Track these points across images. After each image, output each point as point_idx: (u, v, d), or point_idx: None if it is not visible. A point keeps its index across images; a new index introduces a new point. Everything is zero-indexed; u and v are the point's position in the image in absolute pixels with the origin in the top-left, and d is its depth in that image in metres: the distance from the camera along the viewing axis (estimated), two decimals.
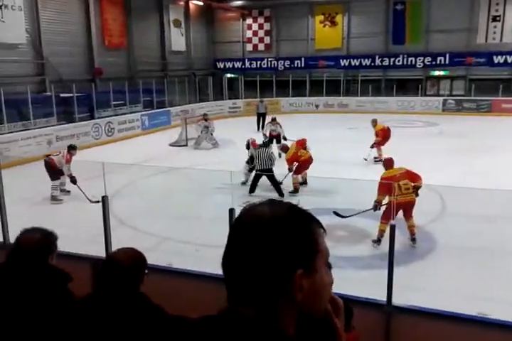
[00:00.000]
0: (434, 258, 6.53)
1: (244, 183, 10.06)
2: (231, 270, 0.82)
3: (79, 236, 6.02)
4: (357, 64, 26.75)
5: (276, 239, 0.79)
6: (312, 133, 14.97)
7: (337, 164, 11.82)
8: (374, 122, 13.23)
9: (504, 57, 23.91)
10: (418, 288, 5.05)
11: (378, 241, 6.95)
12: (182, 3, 26.22)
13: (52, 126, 15.34)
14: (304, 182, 10.40)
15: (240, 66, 29.20)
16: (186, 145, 15.70)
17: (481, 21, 24.10)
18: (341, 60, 27.02)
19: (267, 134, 14.19)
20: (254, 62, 28.93)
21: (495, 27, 23.95)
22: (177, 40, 25.79)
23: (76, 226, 6.79)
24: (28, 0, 16.58)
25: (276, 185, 9.65)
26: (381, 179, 7.03)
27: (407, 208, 6.74)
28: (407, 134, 17.63)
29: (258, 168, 9.73)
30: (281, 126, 14.16)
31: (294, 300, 0.81)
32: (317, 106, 25.42)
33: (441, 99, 24.35)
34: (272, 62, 28.51)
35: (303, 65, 27.83)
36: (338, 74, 26.73)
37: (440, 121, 20.15)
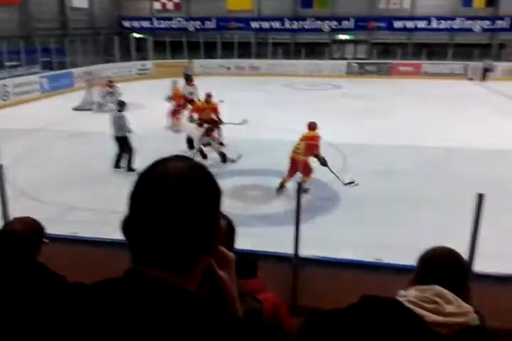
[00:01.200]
0: (337, 212, 6.99)
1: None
2: (147, 232, 0.76)
3: None
4: (267, 27, 26.69)
5: (204, 194, 0.78)
6: (224, 96, 14.94)
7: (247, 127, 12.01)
8: (174, 84, 12.67)
9: (403, 22, 25.19)
10: (324, 239, 5.41)
11: (278, 190, 7.66)
12: None
13: None
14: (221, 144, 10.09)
15: (148, 26, 27.82)
16: (92, 109, 14.91)
17: None
18: (252, 22, 26.78)
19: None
20: (163, 22, 27.71)
21: None
22: None
23: None
24: None
25: (123, 154, 8.80)
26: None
27: (299, 166, 7.52)
28: (314, 96, 18.26)
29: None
30: (196, 88, 13.35)
31: (215, 253, 0.83)
32: (228, 69, 25.18)
33: (345, 62, 25.23)
34: (182, 23, 27.51)
35: (214, 26, 27.20)
36: (249, 37, 26.53)
37: (344, 84, 21.00)
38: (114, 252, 4.12)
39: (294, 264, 4.21)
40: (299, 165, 7.49)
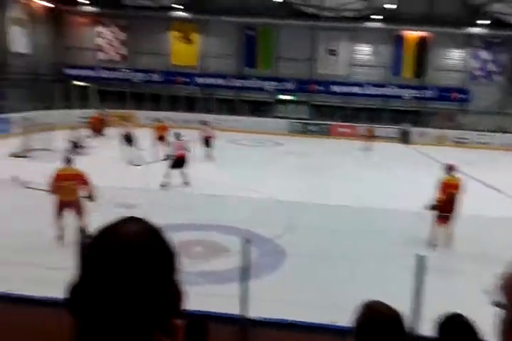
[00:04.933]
0: (284, 270, 6.95)
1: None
2: (97, 301, 0.70)
3: None
4: (212, 83, 27.54)
5: (157, 259, 0.74)
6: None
7: (192, 180, 11.98)
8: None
9: (340, 87, 26.98)
10: (272, 300, 5.31)
11: (60, 237, 7.26)
12: (25, 1, 24.04)
13: None
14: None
15: (92, 74, 27.77)
16: (29, 156, 14.31)
17: (320, 53, 26.93)
18: (197, 78, 27.54)
19: None
20: (108, 72, 27.80)
21: (332, 59, 26.97)
22: (19, 41, 23.53)
23: None
24: None
25: None
26: (54, 174, 7.36)
27: (72, 206, 7.33)
28: (259, 153, 18.70)
29: None
30: None
31: (174, 326, 0.78)
32: (174, 122, 25.36)
33: (288, 121, 26.34)
34: (128, 74, 27.75)
35: (160, 79, 27.65)
36: (195, 91, 27.17)
37: (287, 142, 21.75)
38: (36, 311, 3.81)
39: (243, 326, 4.07)
40: (72, 205, 7.36)
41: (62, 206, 7.29)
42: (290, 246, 7.66)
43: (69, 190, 7.23)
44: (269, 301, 5.11)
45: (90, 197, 7.43)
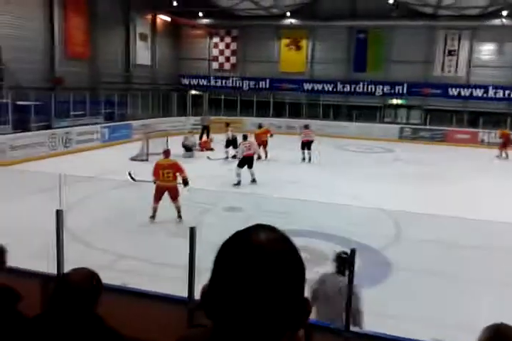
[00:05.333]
0: (389, 283, 6.60)
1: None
2: (234, 304, 0.73)
3: (26, 249, 5.71)
4: (319, 88, 27.41)
5: (296, 266, 0.78)
6: (274, 154, 15.21)
7: (293, 184, 11.98)
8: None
9: (458, 89, 25.17)
10: (375, 313, 5.06)
11: (152, 217, 8.58)
12: (149, 17, 26.24)
13: (6, 134, 14.71)
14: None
15: (205, 83, 29.30)
16: (147, 159, 15.43)
17: (437, 54, 25.41)
18: (304, 84, 27.62)
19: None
20: (220, 81, 29.11)
21: (450, 60, 25.28)
22: (142, 54, 25.68)
23: (24, 238, 6.45)
24: None
25: None
26: (155, 164, 8.88)
27: (169, 191, 8.57)
28: (365, 159, 18.13)
29: None
30: None
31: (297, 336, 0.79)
32: (279, 128, 25.73)
33: (398, 126, 25.21)
34: (237, 82, 28.78)
35: (267, 87, 28.24)
36: (301, 98, 27.27)
37: (397, 148, 20.81)
38: (160, 306, 4.01)
39: (346, 339, 3.93)
40: (170, 190, 8.74)
41: (161, 190, 8.55)
42: (397, 259, 7.25)
43: (167, 177, 8.59)
44: (370, 314, 4.87)
45: (184, 183, 8.65)
